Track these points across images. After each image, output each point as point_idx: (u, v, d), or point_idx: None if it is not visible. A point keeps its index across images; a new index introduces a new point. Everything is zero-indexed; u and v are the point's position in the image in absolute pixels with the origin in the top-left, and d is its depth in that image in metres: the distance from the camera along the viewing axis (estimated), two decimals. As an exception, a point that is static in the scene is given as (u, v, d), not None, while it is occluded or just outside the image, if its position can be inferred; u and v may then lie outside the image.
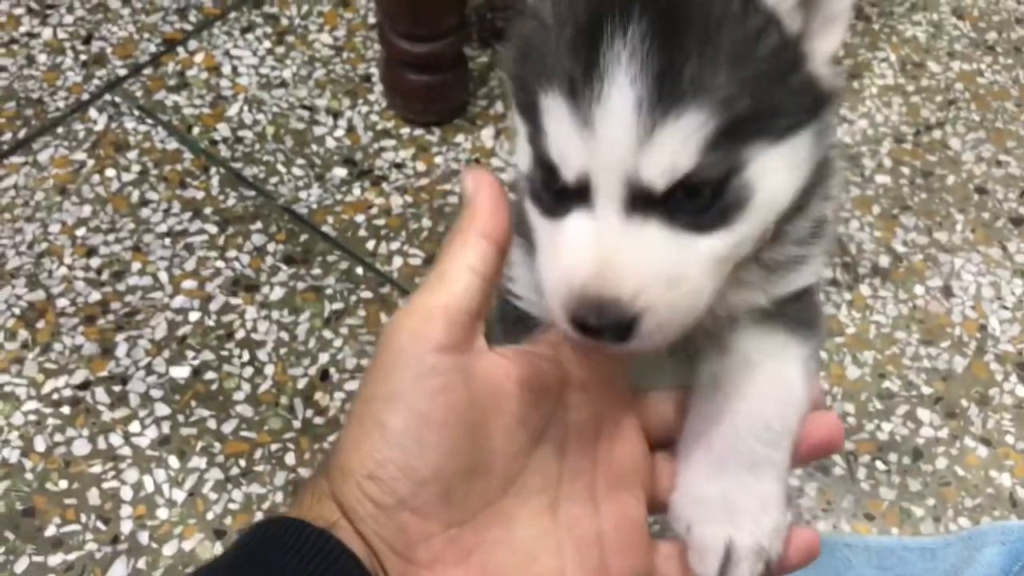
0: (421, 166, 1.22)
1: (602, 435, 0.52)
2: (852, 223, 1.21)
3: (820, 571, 0.83)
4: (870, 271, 1.17)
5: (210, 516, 0.94)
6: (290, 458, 0.97)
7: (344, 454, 0.45)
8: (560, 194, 0.46)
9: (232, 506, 0.94)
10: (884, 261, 1.17)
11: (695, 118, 0.42)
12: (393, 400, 0.45)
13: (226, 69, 1.30)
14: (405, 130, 1.26)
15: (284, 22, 1.36)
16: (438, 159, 1.23)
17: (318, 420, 1.00)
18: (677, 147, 0.43)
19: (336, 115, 1.26)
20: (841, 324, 1.11)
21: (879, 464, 1.01)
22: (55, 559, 0.91)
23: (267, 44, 1.33)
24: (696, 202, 0.45)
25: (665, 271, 0.45)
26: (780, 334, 0.55)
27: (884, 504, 0.99)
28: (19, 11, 1.35)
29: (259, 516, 0.94)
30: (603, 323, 0.45)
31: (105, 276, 1.09)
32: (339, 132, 1.25)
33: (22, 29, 1.33)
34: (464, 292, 0.46)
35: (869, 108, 1.33)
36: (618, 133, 0.43)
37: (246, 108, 1.26)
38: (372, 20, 1.37)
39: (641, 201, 0.44)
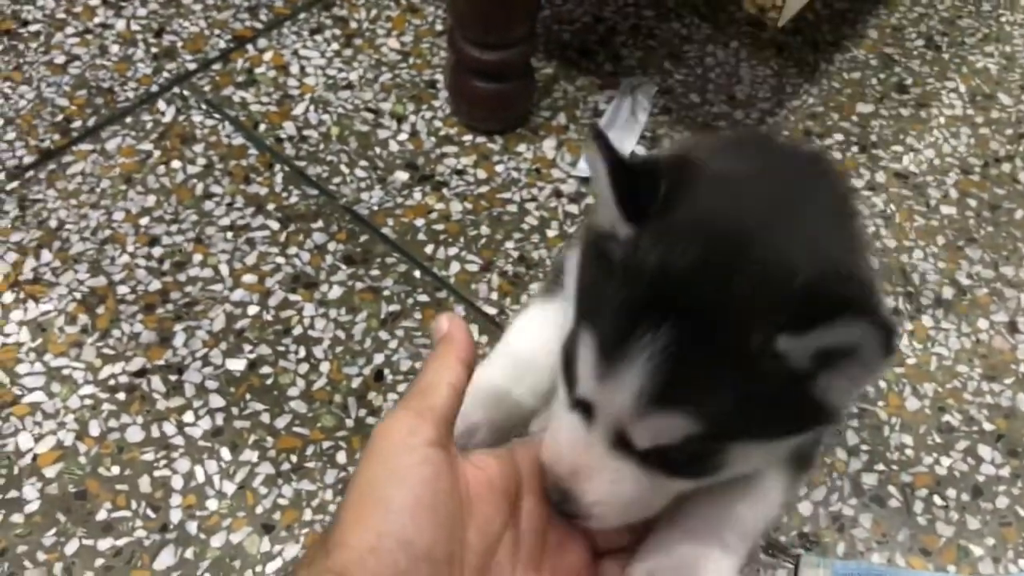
0: (482, 173, 1.22)
1: (548, 543, 0.58)
2: (916, 252, 1.19)
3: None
4: (933, 302, 1.14)
5: (259, 510, 0.94)
6: (341, 456, 0.97)
7: (343, 531, 0.49)
8: (571, 390, 0.56)
9: (282, 501, 0.94)
10: (948, 293, 1.15)
11: (680, 422, 0.50)
12: (394, 480, 0.51)
13: (294, 68, 1.31)
14: (467, 137, 1.26)
15: (353, 25, 1.37)
16: (499, 167, 1.23)
17: (371, 420, 1.00)
18: (660, 432, 0.51)
19: (400, 119, 1.27)
20: (902, 354, 1.10)
21: (936, 499, 0.99)
22: (104, 543, 0.91)
23: (335, 46, 1.34)
24: (669, 461, 0.53)
25: (625, 498, 0.54)
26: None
27: (941, 540, 0.96)
28: (94, 2, 1.37)
29: (308, 513, 0.94)
30: (562, 509, 0.56)
31: (166, 266, 1.10)
32: (402, 136, 1.25)
33: (96, 20, 1.35)
34: (446, 402, 0.54)
35: (936, 138, 1.32)
36: (622, 399, 0.51)
37: (312, 108, 1.27)
38: (440, 27, 1.38)
39: (624, 444, 0.53)
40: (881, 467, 1.01)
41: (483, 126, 1.26)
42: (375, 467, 0.52)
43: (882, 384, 1.07)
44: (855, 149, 1.30)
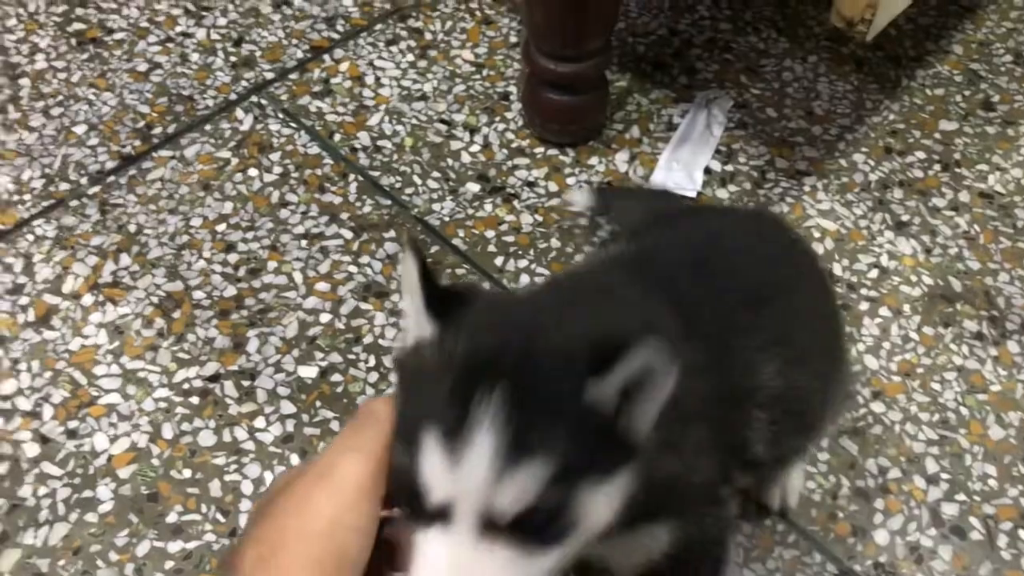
0: (553, 186, 1.22)
1: None
2: (1001, 276, 1.15)
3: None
4: (1019, 327, 1.10)
5: (327, 518, 0.94)
6: (408, 467, 0.97)
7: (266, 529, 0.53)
8: (422, 508, 0.57)
9: (349, 510, 0.94)
10: (1035, 318, 1.11)
11: (539, 467, 0.54)
12: (332, 527, 0.53)
13: (369, 79, 1.32)
14: (539, 149, 1.26)
15: (428, 36, 1.38)
16: (570, 180, 1.22)
17: (438, 432, 0.99)
18: (524, 486, 0.54)
19: (473, 131, 1.27)
20: (985, 380, 1.06)
21: (1022, 533, 0.95)
22: (174, 546, 0.92)
23: (410, 57, 1.35)
24: (534, 525, 0.56)
25: None
26: None
27: (1026, 576, 0.93)
28: (176, 11, 1.40)
29: (375, 523, 0.93)
30: None
31: (242, 272, 1.11)
32: (475, 148, 1.25)
33: (178, 28, 1.38)
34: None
35: (1024, 157, 1.28)
36: (480, 471, 0.54)
37: (386, 119, 1.27)
38: (514, 39, 1.38)
39: (491, 527, 0.55)
40: (962, 497, 0.97)
41: (556, 138, 1.25)
42: (327, 497, 0.53)
43: (964, 411, 1.03)
44: (937, 167, 1.27)
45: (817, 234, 1.18)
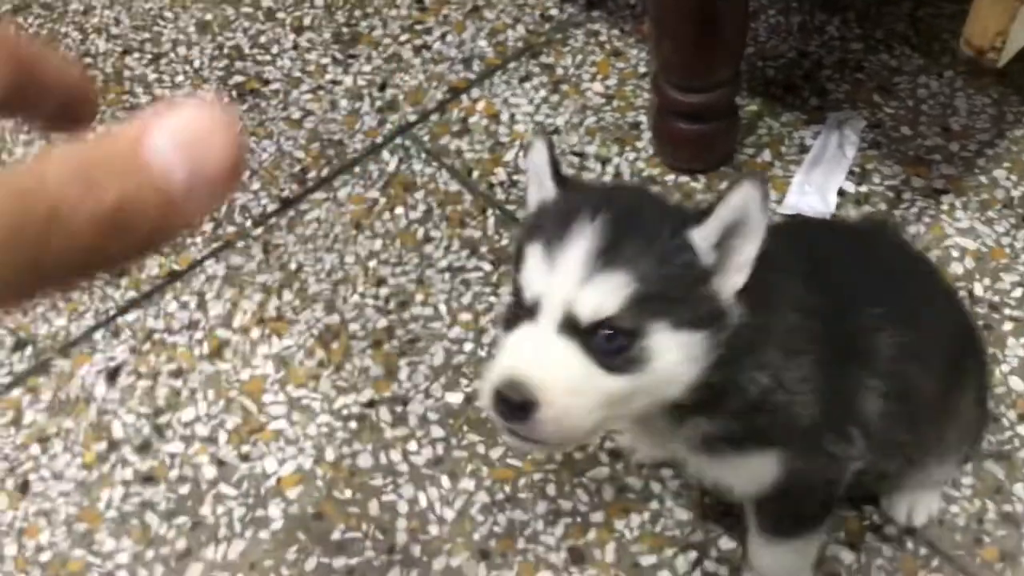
0: (685, 213, 1.24)
1: None
2: None
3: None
4: None
5: (476, 536, 1.00)
6: (551, 489, 1.02)
7: None
8: (518, 314, 0.65)
9: (496, 529, 1.00)
10: None
11: (620, 279, 0.61)
12: None
13: (504, 116, 1.39)
14: (670, 177, 1.29)
15: (559, 71, 1.43)
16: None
17: (578, 455, 1.04)
18: (605, 294, 0.61)
19: (605, 161, 1.32)
20: None
21: None
22: (339, 562, 1.00)
23: (543, 93, 1.41)
24: (608, 345, 0.62)
25: (568, 382, 0.62)
26: None
27: None
28: (325, 60, 1.51)
29: (521, 541, 0.99)
30: (514, 399, 0.61)
31: (392, 305, 1.19)
32: (607, 177, 1.30)
33: (327, 77, 1.48)
34: None
35: None
36: (568, 273, 0.62)
37: (522, 154, 1.33)
38: (643, 69, 1.41)
39: (570, 327, 0.62)
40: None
41: (687, 166, 1.28)
42: None
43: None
44: (1085, 180, 1.23)
45: (956, 253, 1.17)
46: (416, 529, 1.01)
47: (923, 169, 1.26)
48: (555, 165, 0.70)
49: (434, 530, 1.01)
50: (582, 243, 0.62)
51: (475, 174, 1.32)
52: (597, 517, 1.00)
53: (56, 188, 0.24)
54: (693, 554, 0.97)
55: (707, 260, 0.63)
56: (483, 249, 1.24)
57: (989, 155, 1.27)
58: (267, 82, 1.49)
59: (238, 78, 1.50)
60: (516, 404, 0.62)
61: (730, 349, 0.65)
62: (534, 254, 0.64)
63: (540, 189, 0.70)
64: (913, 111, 1.33)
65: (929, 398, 0.82)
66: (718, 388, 0.67)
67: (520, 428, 0.63)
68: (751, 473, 0.76)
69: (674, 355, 0.63)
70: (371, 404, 1.11)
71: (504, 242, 1.24)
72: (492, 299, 1.18)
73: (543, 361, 0.62)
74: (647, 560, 0.97)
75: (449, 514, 1.02)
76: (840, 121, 1.32)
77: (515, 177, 1.31)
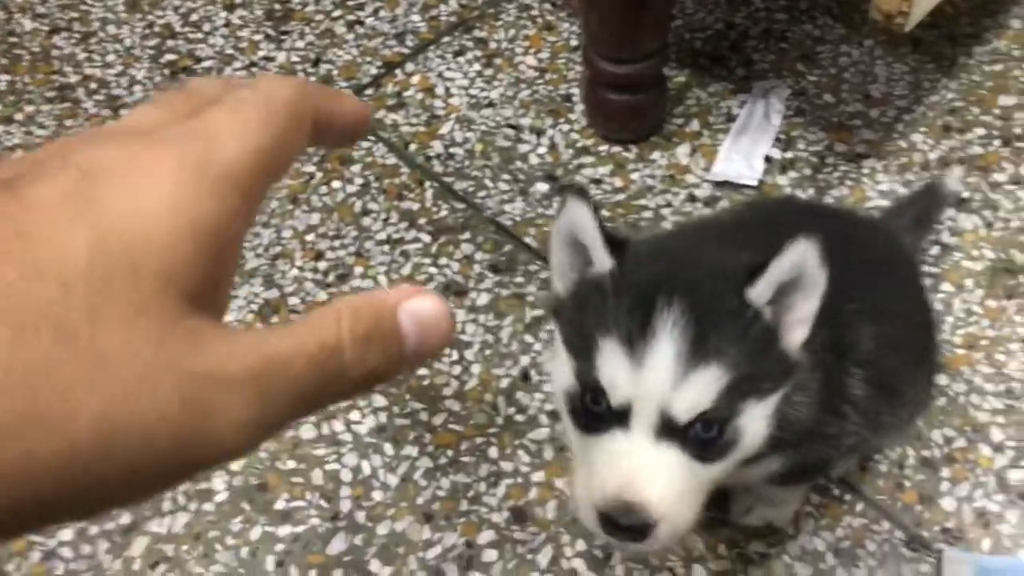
0: (618, 182, 1.28)
1: None
2: (1064, 246, 1.17)
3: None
4: (1083, 296, 1.12)
5: (420, 501, 1.02)
6: (493, 452, 1.04)
7: None
8: (599, 416, 0.62)
9: (440, 493, 1.02)
10: (1099, 286, 1.13)
11: (715, 372, 0.59)
12: None
13: (439, 90, 1.40)
14: (603, 147, 1.32)
15: (492, 45, 1.45)
16: (634, 175, 1.28)
17: (519, 417, 1.07)
18: (701, 390, 0.59)
19: (539, 133, 1.34)
20: (1050, 350, 1.08)
21: (1089, 495, 0.98)
22: (283, 530, 1.01)
23: (477, 67, 1.42)
24: (704, 436, 0.61)
25: (678, 487, 0.61)
26: None
27: (1094, 537, 0.95)
28: (258, 37, 1.50)
29: (464, 503, 1.01)
30: (630, 523, 0.60)
31: (331, 278, 1.20)
32: (541, 149, 1.32)
33: (260, 53, 1.48)
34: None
35: (1086, 128, 1.29)
36: (661, 373, 0.59)
37: (457, 127, 1.35)
38: (574, 42, 1.44)
39: (667, 429, 0.60)
40: (1028, 463, 1.00)
41: (618, 136, 1.31)
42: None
43: (1029, 380, 1.06)
44: (997, 143, 1.28)
45: (878, 214, 1.22)
46: (360, 496, 1.03)
47: (845, 135, 1.31)
48: (603, 228, 0.64)
49: (378, 496, 1.02)
50: (669, 340, 0.59)
51: (412, 147, 1.33)
52: (538, 476, 1.03)
53: (349, 358, 0.30)
54: (630, 509, 1.00)
55: (767, 317, 0.62)
56: (421, 221, 1.25)
57: (907, 120, 1.32)
58: (200, 60, 1.48)
59: (170, 56, 1.49)
60: (631, 526, 0.60)
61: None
62: (613, 352, 0.60)
63: (575, 253, 0.65)
64: (835, 79, 1.38)
65: (907, 385, 0.86)
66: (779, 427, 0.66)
67: (634, 546, 0.62)
68: (752, 475, 0.76)
69: (761, 423, 0.63)
70: (313, 375, 1.12)
71: (443, 213, 1.26)
72: (432, 270, 1.20)
73: (651, 476, 0.60)
74: (586, 516, 1.00)
75: (392, 480, 1.03)
76: (765, 90, 1.36)
77: (451, 150, 1.33)
